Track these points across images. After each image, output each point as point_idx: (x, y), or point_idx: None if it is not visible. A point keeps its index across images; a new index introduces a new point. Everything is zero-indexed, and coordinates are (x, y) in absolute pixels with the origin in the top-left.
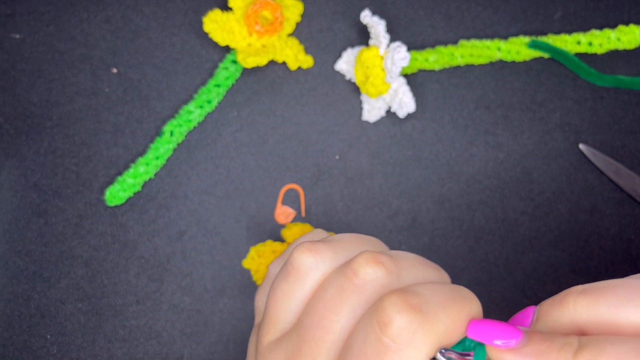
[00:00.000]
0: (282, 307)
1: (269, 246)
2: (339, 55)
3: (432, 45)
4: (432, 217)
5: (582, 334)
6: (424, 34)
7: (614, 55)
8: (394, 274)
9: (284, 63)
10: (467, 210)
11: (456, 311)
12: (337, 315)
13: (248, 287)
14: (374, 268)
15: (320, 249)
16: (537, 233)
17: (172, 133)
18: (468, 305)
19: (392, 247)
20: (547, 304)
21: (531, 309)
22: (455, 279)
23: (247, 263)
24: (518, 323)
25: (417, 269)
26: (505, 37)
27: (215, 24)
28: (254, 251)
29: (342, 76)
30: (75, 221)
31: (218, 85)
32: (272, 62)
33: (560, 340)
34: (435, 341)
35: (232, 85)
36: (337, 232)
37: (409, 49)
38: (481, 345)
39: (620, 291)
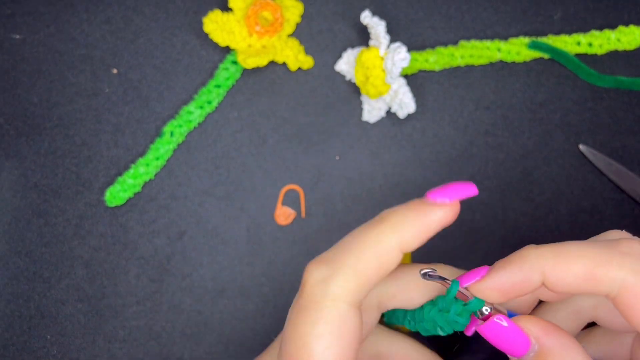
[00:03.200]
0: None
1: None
2: (339, 56)
3: (432, 45)
4: None
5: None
6: (424, 34)
7: (614, 56)
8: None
9: (284, 64)
10: (467, 210)
11: (368, 245)
12: (299, 332)
13: (248, 287)
14: (313, 265)
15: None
16: (537, 233)
17: (172, 134)
18: (383, 230)
19: None
20: (502, 261)
21: (485, 268)
22: None
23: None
24: (472, 274)
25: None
26: (505, 37)
27: (216, 25)
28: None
29: (342, 77)
30: (75, 222)
31: (218, 86)
32: (272, 63)
33: (518, 251)
34: (352, 286)
35: (233, 85)
36: (337, 233)
37: (409, 50)
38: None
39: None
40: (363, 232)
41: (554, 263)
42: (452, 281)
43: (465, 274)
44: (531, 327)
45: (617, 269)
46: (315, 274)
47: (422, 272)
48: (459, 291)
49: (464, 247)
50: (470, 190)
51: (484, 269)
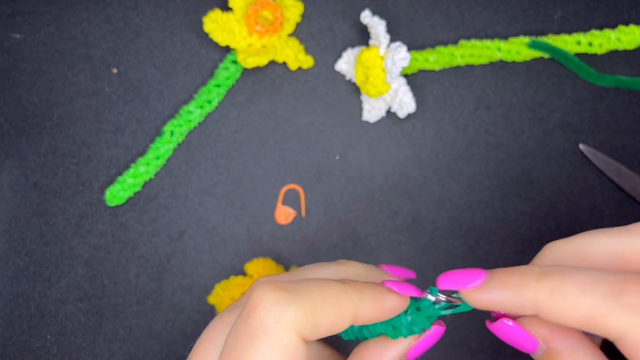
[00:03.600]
0: None
1: (232, 281)
2: (339, 56)
3: (433, 45)
4: (432, 217)
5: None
6: (424, 34)
7: (614, 56)
8: (287, 288)
9: (284, 63)
10: (467, 210)
11: (326, 287)
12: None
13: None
14: (265, 287)
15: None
16: (537, 233)
17: (172, 133)
18: (336, 266)
19: (392, 247)
20: (500, 274)
21: (482, 272)
22: None
23: (212, 299)
24: (463, 278)
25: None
26: (505, 37)
27: (216, 24)
28: (218, 287)
29: (342, 76)
30: (75, 221)
31: (218, 85)
32: (272, 62)
33: (521, 268)
34: (307, 320)
35: (233, 85)
36: (337, 233)
37: (409, 49)
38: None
39: (591, 231)
40: (329, 266)
41: (551, 302)
42: (430, 289)
43: (452, 274)
44: (538, 329)
45: (618, 321)
46: (269, 298)
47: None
48: (440, 296)
49: (464, 247)
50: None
51: (477, 274)
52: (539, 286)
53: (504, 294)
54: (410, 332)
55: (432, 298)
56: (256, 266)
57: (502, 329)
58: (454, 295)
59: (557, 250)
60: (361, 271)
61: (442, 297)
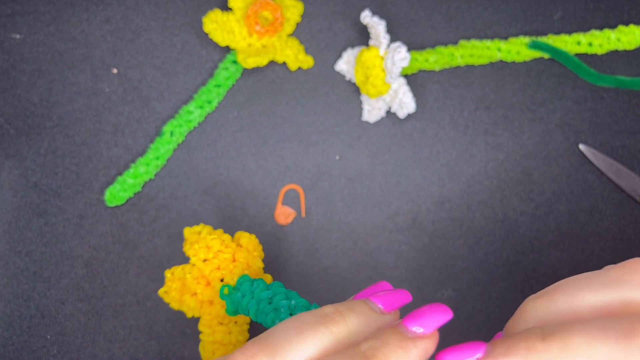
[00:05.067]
0: None
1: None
2: (339, 56)
3: (432, 45)
4: (432, 218)
5: None
6: (424, 34)
7: (614, 56)
8: None
9: (284, 63)
10: (467, 210)
11: (310, 344)
12: None
13: None
14: None
15: None
16: (537, 233)
17: (172, 133)
18: (324, 331)
19: (392, 247)
20: (510, 321)
21: (498, 335)
22: (456, 279)
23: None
24: (465, 352)
25: (295, 343)
26: (505, 37)
27: (216, 24)
28: (168, 273)
29: (342, 76)
30: (75, 221)
31: (218, 86)
32: (272, 63)
33: (522, 333)
34: None
35: (232, 85)
36: (337, 233)
37: (409, 50)
38: None
39: (571, 283)
40: (299, 322)
41: None
42: None
43: (451, 350)
44: None
45: None
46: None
47: None
48: None
49: (464, 247)
50: (446, 314)
51: (477, 347)
52: (546, 347)
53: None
54: None
55: None
56: (197, 251)
57: None
58: None
59: (540, 311)
60: (354, 324)
61: None
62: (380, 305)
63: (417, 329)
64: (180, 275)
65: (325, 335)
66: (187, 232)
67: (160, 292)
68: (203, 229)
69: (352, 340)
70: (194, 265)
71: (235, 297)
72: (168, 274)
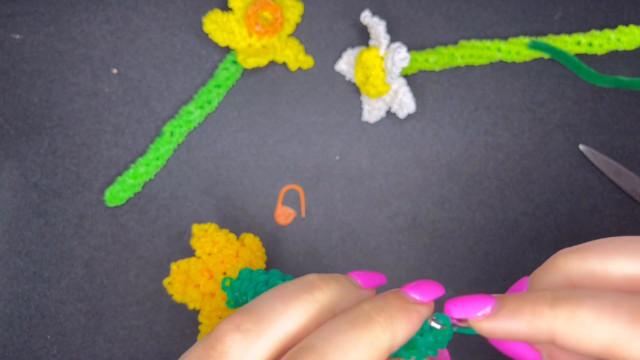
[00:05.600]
0: None
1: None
2: (339, 56)
3: (432, 45)
4: (432, 218)
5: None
6: (424, 34)
7: (614, 56)
8: (254, 331)
9: (284, 63)
10: (467, 210)
11: (295, 312)
12: None
13: None
14: (232, 336)
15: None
16: (537, 233)
17: (172, 133)
18: (309, 296)
19: (392, 247)
20: (538, 270)
21: (524, 280)
22: (456, 279)
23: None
24: (474, 305)
25: (282, 312)
26: (505, 37)
27: (216, 25)
28: (174, 265)
29: (342, 77)
30: (75, 221)
31: (218, 86)
32: (272, 63)
33: (532, 295)
34: (272, 350)
35: (232, 85)
36: (337, 233)
37: (409, 50)
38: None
39: (608, 245)
40: (295, 287)
41: (567, 331)
42: (437, 315)
43: (459, 301)
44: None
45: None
46: (237, 334)
47: (432, 321)
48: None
49: (464, 247)
50: (440, 289)
51: (486, 300)
52: (553, 314)
53: (517, 323)
54: (424, 355)
55: (437, 326)
56: (204, 244)
57: (504, 343)
58: (459, 323)
59: (571, 268)
60: (337, 291)
61: (450, 324)
62: (359, 281)
63: (416, 297)
64: (185, 267)
65: (310, 302)
66: (196, 227)
67: (165, 282)
68: (210, 227)
69: (335, 308)
70: (199, 258)
71: (235, 284)
72: (174, 266)
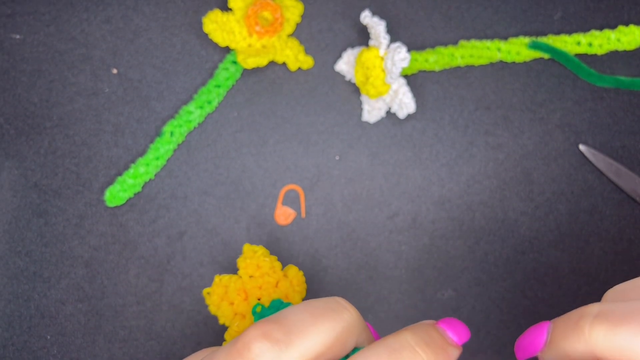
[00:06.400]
0: None
1: (222, 280)
2: (339, 56)
3: (432, 45)
4: (432, 218)
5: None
6: (424, 34)
7: (614, 56)
8: (283, 342)
9: (284, 64)
10: (467, 210)
11: (323, 327)
12: None
13: None
14: (260, 343)
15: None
16: (537, 233)
17: (172, 133)
18: (338, 315)
19: (392, 248)
20: (560, 325)
21: (545, 326)
22: (455, 279)
23: (210, 301)
24: (531, 341)
25: (311, 326)
26: (505, 37)
27: (216, 25)
28: (217, 278)
29: (342, 77)
30: (75, 221)
31: (218, 86)
32: (272, 63)
33: (579, 311)
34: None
35: (232, 85)
36: (337, 233)
37: (409, 50)
38: None
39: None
40: (325, 307)
41: (605, 348)
42: None
43: (521, 342)
44: None
45: None
46: (266, 343)
47: None
48: None
49: (464, 247)
50: (468, 335)
51: (540, 332)
52: (593, 331)
53: (565, 346)
54: None
55: None
56: (248, 265)
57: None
58: None
59: (595, 339)
60: (358, 317)
61: None
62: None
63: (453, 337)
64: (227, 283)
65: (337, 321)
66: (246, 247)
67: (205, 291)
68: (260, 249)
69: (357, 331)
70: (240, 277)
71: (265, 312)
72: (217, 278)
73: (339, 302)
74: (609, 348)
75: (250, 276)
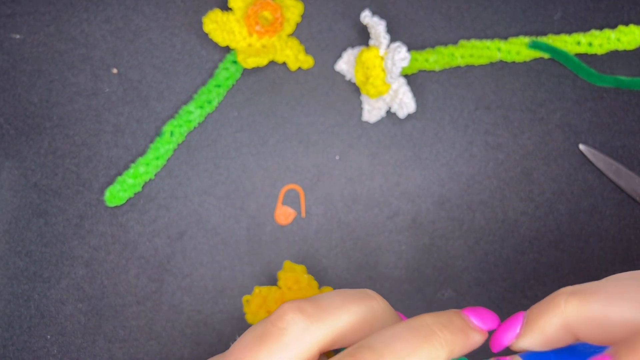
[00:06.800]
0: None
1: (260, 293)
2: (339, 56)
3: (432, 45)
4: (432, 218)
5: (572, 335)
6: (424, 34)
7: (614, 56)
8: (314, 316)
9: (284, 63)
10: (467, 210)
11: (352, 310)
12: (254, 357)
13: (248, 287)
14: (294, 314)
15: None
16: (537, 233)
17: (172, 133)
18: (366, 302)
19: (392, 248)
20: (536, 307)
21: (520, 315)
22: (455, 279)
23: (248, 309)
24: (508, 329)
25: (341, 307)
26: (505, 37)
27: (216, 24)
28: (257, 290)
29: (342, 76)
30: (75, 221)
31: (218, 86)
32: (272, 63)
33: (552, 294)
34: (326, 338)
35: (232, 85)
36: (337, 233)
37: (409, 50)
38: None
39: (610, 289)
40: (356, 294)
41: (580, 319)
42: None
43: (497, 334)
44: None
45: None
46: (298, 314)
47: None
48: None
49: (464, 247)
50: (496, 322)
51: (514, 321)
52: (568, 305)
53: (541, 323)
54: None
55: None
56: (288, 278)
57: None
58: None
59: (570, 312)
60: (390, 309)
61: None
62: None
63: (476, 322)
64: (266, 293)
65: (366, 307)
66: (287, 263)
67: (244, 298)
68: (299, 267)
69: (384, 320)
70: (279, 288)
71: None
72: (257, 289)
73: (367, 292)
74: (582, 318)
75: (289, 288)
